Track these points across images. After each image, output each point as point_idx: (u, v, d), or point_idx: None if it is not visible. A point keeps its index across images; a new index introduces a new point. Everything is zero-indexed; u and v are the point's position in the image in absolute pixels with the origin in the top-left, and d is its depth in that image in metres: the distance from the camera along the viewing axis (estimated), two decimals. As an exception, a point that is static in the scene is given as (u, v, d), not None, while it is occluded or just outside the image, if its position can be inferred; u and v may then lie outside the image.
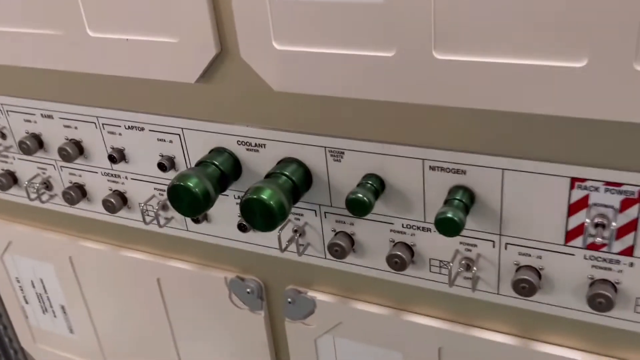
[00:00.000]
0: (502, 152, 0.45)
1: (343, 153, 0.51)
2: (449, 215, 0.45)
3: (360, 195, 0.48)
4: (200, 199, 0.52)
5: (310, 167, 0.53)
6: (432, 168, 0.48)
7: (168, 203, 0.59)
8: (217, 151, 0.56)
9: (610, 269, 0.46)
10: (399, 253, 0.51)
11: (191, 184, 0.51)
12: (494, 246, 0.49)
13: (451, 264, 0.51)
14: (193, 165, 0.57)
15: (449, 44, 0.42)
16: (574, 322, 0.50)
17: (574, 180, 0.44)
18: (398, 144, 0.48)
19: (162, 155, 0.59)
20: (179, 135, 0.58)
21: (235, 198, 0.58)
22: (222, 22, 0.50)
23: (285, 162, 0.53)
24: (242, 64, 0.50)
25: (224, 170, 0.55)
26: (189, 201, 0.52)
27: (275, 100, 0.51)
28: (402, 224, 0.52)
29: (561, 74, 0.39)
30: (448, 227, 0.45)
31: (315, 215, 0.55)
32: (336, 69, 0.46)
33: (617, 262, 0.46)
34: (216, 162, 0.55)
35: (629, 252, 0.45)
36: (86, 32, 0.54)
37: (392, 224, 0.52)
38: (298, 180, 0.52)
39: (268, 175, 0.52)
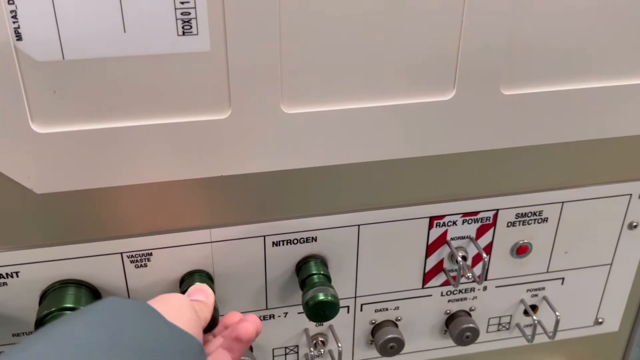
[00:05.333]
0: (354, 208, 0.39)
1: (150, 254, 0.37)
2: (325, 298, 0.37)
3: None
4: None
5: (99, 285, 0.37)
6: (275, 243, 0.39)
7: None
8: None
9: (465, 299, 0.44)
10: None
11: None
12: (348, 311, 0.42)
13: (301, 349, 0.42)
14: None
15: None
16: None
17: (432, 219, 0.40)
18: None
19: None
20: None
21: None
22: None
23: (59, 290, 0.36)
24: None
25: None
26: None
27: (31, 207, 0.34)
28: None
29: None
30: (331, 309, 0.37)
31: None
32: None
33: (472, 290, 0.44)
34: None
35: (482, 277, 0.43)
36: None
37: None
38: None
39: (42, 322, 0.35)
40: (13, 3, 0.28)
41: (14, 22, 0.29)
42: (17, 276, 0.36)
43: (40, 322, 0.35)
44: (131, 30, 0.30)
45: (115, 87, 0.31)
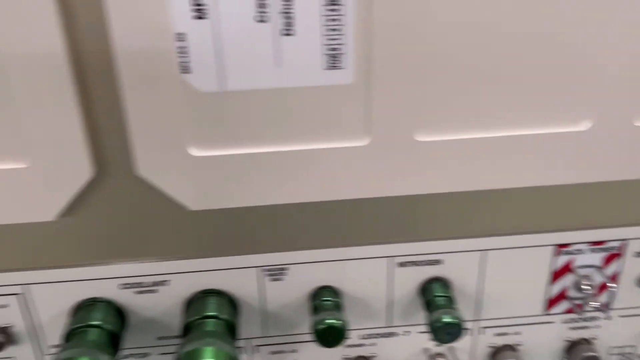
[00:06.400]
0: (480, 234, 0.40)
1: (286, 269, 0.40)
2: (453, 320, 0.38)
3: (332, 320, 0.38)
4: (103, 386, 0.35)
5: (237, 295, 0.40)
6: (401, 264, 0.40)
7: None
8: (89, 306, 0.39)
9: (587, 327, 0.44)
10: (362, 372, 0.42)
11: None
12: (470, 334, 0.43)
13: (422, 366, 0.43)
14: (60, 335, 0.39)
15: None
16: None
17: (558, 247, 0.40)
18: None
19: (-12, 329, 0.40)
20: (18, 295, 0.39)
21: None
22: (98, 135, 0.34)
23: (202, 299, 0.40)
24: (125, 185, 0.36)
25: (112, 329, 0.39)
26: (90, 393, 0.35)
27: (184, 221, 0.37)
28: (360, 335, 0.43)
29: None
30: (456, 332, 0.38)
31: (244, 352, 0.43)
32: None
33: (595, 318, 0.44)
34: (96, 323, 0.38)
35: (607, 306, 0.43)
36: None
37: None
38: (230, 318, 0.39)
39: (188, 328, 0.38)
40: (183, 40, 0.32)
41: (182, 57, 0.32)
42: (168, 284, 0.40)
43: (187, 328, 0.38)
44: (285, 64, 0.33)
45: (266, 115, 0.34)
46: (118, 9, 0.30)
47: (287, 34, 0.32)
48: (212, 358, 0.35)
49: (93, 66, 0.32)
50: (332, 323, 0.38)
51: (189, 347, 0.36)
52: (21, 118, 0.32)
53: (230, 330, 0.38)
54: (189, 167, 0.35)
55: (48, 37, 0.30)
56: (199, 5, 0.31)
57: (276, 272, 0.40)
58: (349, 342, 0.43)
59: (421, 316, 0.42)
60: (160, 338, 0.41)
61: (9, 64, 0.31)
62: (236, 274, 0.39)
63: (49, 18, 0.30)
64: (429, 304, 0.40)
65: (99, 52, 0.32)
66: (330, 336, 0.38)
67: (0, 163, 0.34)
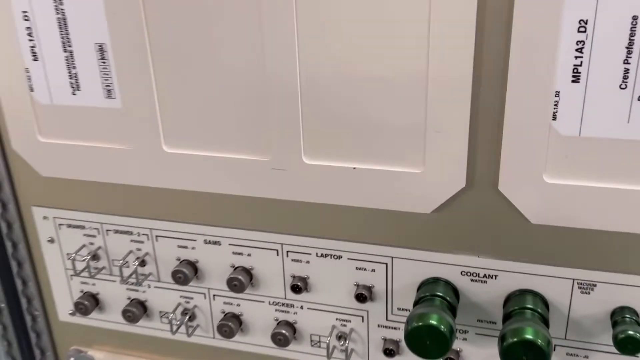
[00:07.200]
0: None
1: (595, 285, 0.49)
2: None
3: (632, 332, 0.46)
4: (447, 337, 0.48)
5: (550, 300, 0.51)
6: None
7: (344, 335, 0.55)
8: (434, 282, 0.53)
9: None
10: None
11: (435, 323, 0.48)
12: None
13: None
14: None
15: None
16: None
17: None
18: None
19: (357, 285, 0.55)
20: (386, 264, 0.54)
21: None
22: (474, 156, 0.47)
23: (520, 295, 0.51)
24: (486, 196, 0.48)
25: (451, 302, 0.51)
26: (436, 341, 0.48)
27: (525, 232, 0.49)
28: (649, 357, 0.50)
29: None
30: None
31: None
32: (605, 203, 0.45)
33: None
34: (440, 294, 0.51)
35: None
36: (302, 160, 0.50)
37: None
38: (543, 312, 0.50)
39: (509, 315, 0.49)
40: (557, 97, 0.43)
41: (555, 109, 0.44)
42: (496, 279, 0.51)
43: (507, 316, 0.50)
44: (633, 121, 0.43)
45: (615, 159, 0.44)
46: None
47: (642, 100, 0.42)
48: (532, 335, 0.45)
49: (484, 93, 0.45)
50: (633, 335, 0.46)
51: (514, 326, 0.47)
52: (427, 135, 0.47)
53: (545, 323, 0.49)
54: (539, 190, 0.46)
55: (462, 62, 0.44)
56: (576, 72, 0.42)
57: (586, 287, 0.49)
58: None
59: None
60: (479, 320, 0.53)
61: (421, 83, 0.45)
62: (553, 281, 0.50)
63: (467, 45, 0.43)
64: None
65: (493, 78, 0.45)
66: (629, 344, 0.46)
67: (400, 167, 0.49)
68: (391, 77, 0.46)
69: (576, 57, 0.42)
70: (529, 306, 0.49)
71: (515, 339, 0.46)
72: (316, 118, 0.49)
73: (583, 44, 0.42)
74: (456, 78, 0.44)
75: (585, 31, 0.41)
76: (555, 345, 0.52)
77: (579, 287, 0.49)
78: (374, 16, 0.45)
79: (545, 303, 0.50)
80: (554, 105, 0.44)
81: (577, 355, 0.52)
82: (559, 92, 0.43)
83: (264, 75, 0.49)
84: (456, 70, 0.44)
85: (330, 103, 0.48)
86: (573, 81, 0.43)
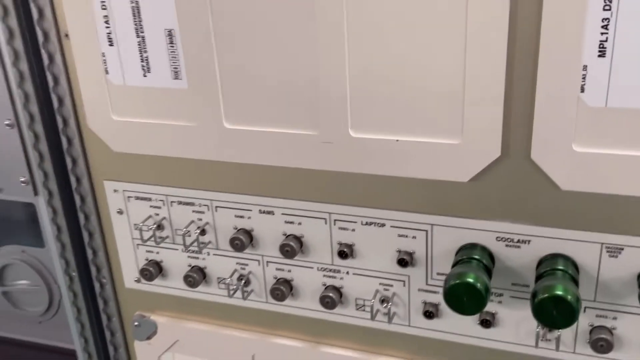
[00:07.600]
0: None
1: (622, 249, 0.53)
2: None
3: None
4: (483, 295, 0.52)
5: (579, 263, 0.54)
6: None
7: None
8: (471, 247, 0.57)
9: None
10: None
11: (472, 280, 0.52)
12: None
13: None
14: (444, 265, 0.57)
15: None
16: None
17: None
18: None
19: (399, 251, 0.60)
20: (426, 231, 0.58)
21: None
22: (508, 127, 0.52)
23: (552, 259, 0.55)
24: (519, 164, 0.52)
25: (487, 265, 0.55)
26: (472, 298, 0.52)
27: (556, 198, 0.53)
28: None
29: None
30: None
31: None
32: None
33: None
34: (477, 257, 0.55)
35: None
36: (349, 133, 0.55)
37: None
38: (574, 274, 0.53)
39: (541, 276, 0.53)
40: (585, 70, 0.47)
41: (582, 82, 0.48)
42: (528, 244, 0.55)
43: (540, 276, 0.53)
44: (656, 93, 0.46)
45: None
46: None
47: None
48: (562, 291, 0.49)
49: (517, 68, 0.49)
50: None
51: (545, 283, 0.51)
52: (464, 108, 0.51)
53: (575, 284, 0.53)
54: (569, 158, 0.50)
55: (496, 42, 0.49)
56: (602, 47, 0.46)
57: (614, 250, 0.53)
58: None
59: None
60: (513, 284, 0.57)
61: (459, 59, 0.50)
62: (583, 246, 0.53)
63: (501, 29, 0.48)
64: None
65: (525, 54, 0.49)
66: (654, 302, 0.50)
67: (439, 138, 0.53)
68: (430, 54, 0.51)
69: (602, 34, 0.46)
70: (560, 267, 0.53)
71: (546, 295, 0.50)
72: (362, 95, 0.54)
73: (608, 22, 0.46)
74: (492, 55, 0.49)
75: (610, 9, 0.45)
76: (585, 307, 0.56)
77: (607, 251, 0.53)
78: (416, -1, 0.50)
79: (576, 266, 0.54)
80: (582, 78, 0.48)
81: (606, 317, 0.55)
82: (586, 66, 0.47)
83: (315, 57, 0.54)
84: (492, 47, 0.49)
85: (374, 81, 0.53)
86: (599, 56, 0.47)
